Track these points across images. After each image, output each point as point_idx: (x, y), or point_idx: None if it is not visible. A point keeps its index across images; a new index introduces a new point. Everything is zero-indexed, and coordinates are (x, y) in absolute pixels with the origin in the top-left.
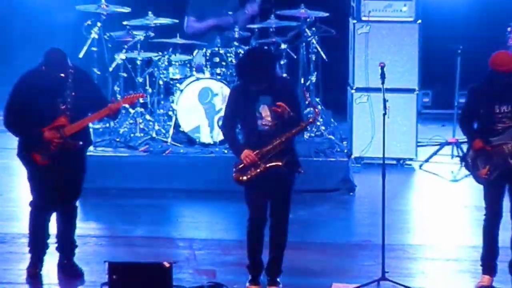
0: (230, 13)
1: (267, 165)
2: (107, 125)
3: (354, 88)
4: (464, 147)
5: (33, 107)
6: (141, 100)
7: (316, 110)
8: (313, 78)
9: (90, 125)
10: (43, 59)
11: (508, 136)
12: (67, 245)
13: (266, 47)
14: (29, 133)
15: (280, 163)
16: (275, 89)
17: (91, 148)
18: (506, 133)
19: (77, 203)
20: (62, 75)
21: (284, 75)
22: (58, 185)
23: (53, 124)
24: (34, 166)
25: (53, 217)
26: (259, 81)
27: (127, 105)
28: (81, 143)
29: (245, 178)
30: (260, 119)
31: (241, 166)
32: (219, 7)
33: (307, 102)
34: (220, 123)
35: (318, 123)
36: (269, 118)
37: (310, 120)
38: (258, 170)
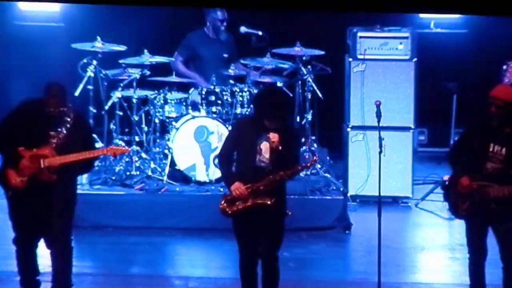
0: (225, 55)
1: (255, 201)
2: (103, 163)
3: (350, 126)
4: None
5: (24, 131)
6: (137, 138)
7: (315, 157)
8: (309, 116)
9: None
10: (44, 90)
11: (496, 180)
12: (62, 285)
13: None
14: (10, 151)
15: (268, 202)
16: (280, 128)
17: (86, 186)
18: (495, 177)
19: (73, 243)
20: (62, 109)
21: None
22: (38, 218)
23: (37, 152)
24: (12, 197)
25: (48, 256)
26: (277, 121)
27: (111, 155)
28: (55, 177)
29: (230, 210)
30: (259, 155)
31: (229, 197)
32: (216, 45)
33: (306, 147)
34: (216, 154)
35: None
36: (267, 155)
37: (308, 164)
38: (246, 205)
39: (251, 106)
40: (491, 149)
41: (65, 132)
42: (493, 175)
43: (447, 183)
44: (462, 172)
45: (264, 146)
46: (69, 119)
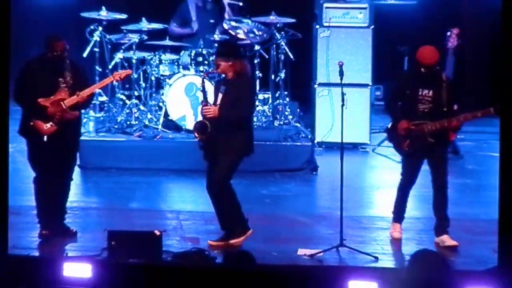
0: (211, 21)
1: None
2: (107, 114)
3: (317, 83)
4: None
5: (37, 82)
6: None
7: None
8: (282, 75)
9: (92, 114)
10: (46, 41)
11: (428, 118)
12: (60, 212)
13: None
14: (34, 104)
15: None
16: (232, 82)
17: (92, 134)
18: (427, 116)
19: (73, 177)
20: (64, 52)
21: (257, 72)
22: (58, 158)
23: (55, 97)
24: (34, 143)
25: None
26: (215, 64)
27: (115, 82)
28: (77, 113)
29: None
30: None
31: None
32: (203, 13)
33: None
34: None
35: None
36: (217, 106)
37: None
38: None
39: None
40: (420, 93)
41: (69, 74)
42: (425, 114)
43: (388, 127)
44: (400, 116)
45: (219, 97)
46: (68, 62)
